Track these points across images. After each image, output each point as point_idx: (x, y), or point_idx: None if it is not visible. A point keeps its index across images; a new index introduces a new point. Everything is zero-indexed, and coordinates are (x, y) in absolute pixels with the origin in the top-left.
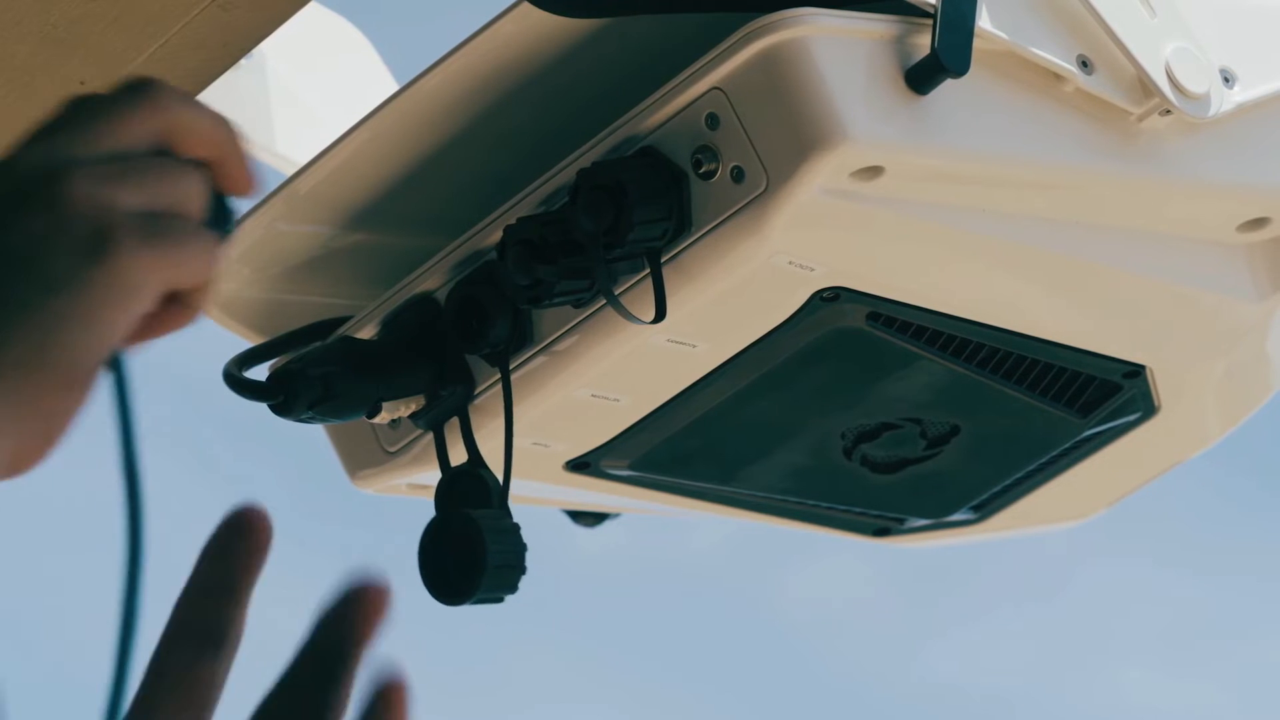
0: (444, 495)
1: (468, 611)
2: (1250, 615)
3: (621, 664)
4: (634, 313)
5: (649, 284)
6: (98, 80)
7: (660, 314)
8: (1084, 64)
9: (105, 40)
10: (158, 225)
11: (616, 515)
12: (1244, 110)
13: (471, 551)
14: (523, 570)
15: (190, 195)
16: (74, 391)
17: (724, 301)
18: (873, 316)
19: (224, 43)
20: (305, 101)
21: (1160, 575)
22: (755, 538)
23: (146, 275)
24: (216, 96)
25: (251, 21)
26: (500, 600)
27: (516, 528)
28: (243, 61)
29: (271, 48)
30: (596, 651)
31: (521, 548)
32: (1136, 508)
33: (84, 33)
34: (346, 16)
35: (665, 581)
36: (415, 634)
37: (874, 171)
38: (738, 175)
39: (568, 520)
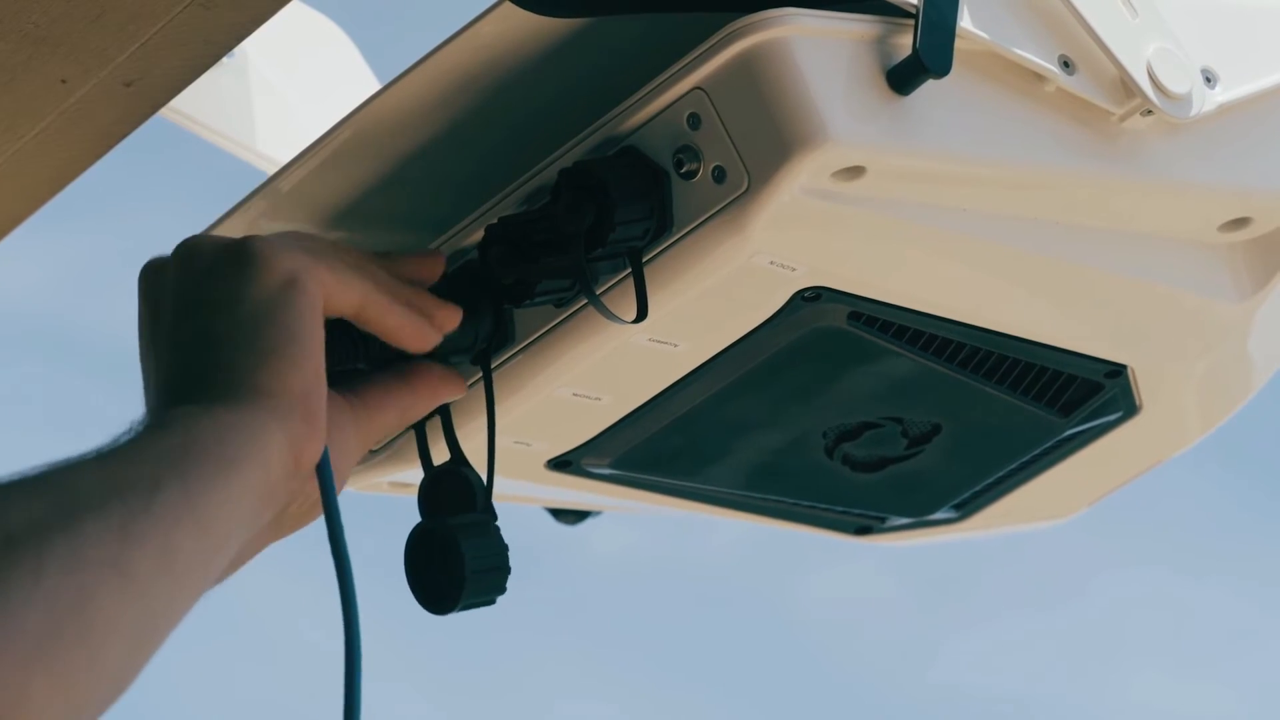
0: (426, 494)
1: (479, 612)
2: (1261, 619)
3: (637, 664)
4: (615, 312)
5: (630, 283)
6: (79, 79)
7: (642, 314)
8: (1065, 64)
9: (86, 39)
10: (287, 237)
11: (598, 513)
12: (1225, 110)
13: (450, 559)
14: (507, 570)
15: (359, 258)
16: (303, 368)
17: (705, 301)
18: (854, 316)
19: (206, 41)
20: (287, 100)
21: (1173, 580)
22: (771, 540)
23: (292, 262)
24: (198, 95)
25: (233, 20)
26: (492, 602)
27: (495, 529)
28: (225, 60)
29: (253, 46)
30: (612, 651)
31: (502, 548)
32: (1148, 514)
33: (65, 31)
34: (329, 15)
35: (682, 582)
36: (430, 634)
37: (855, 172)
38: (719, 175)
39: (585, 522)
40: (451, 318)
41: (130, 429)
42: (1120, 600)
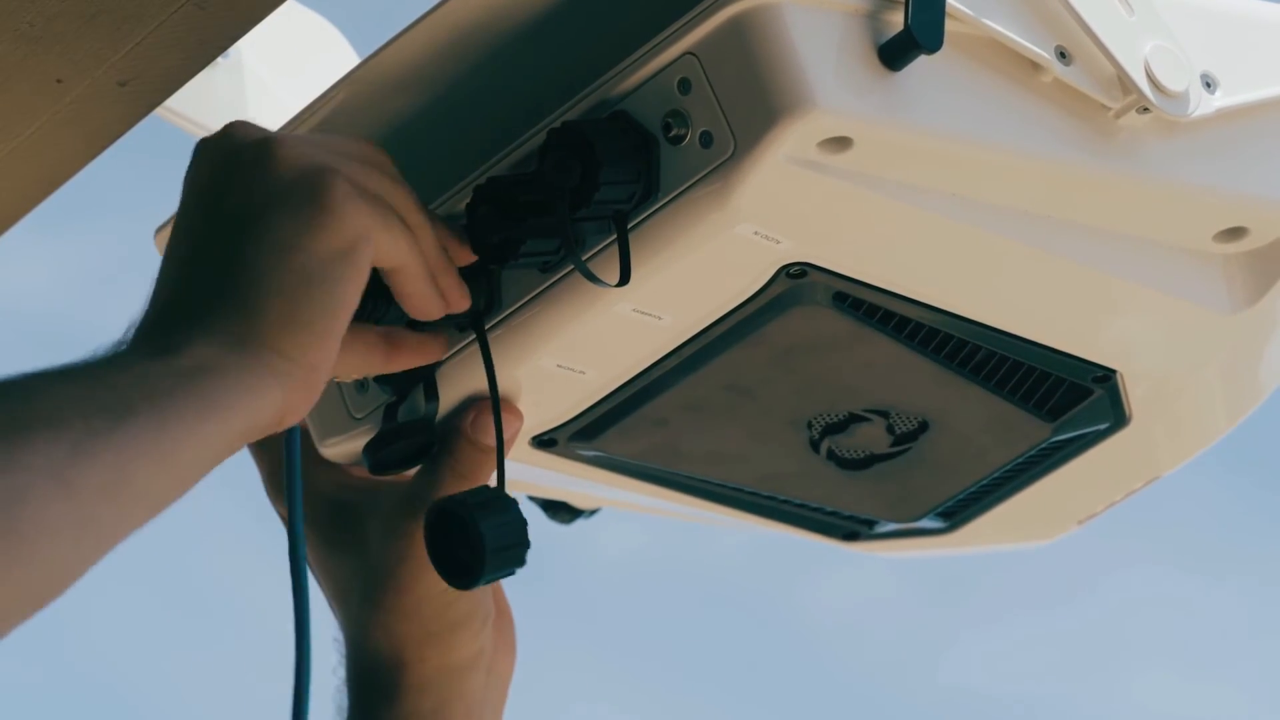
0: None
1: None
2: (1267, 620)
3: (646, 666)
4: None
5: (615, 251)
6: (74, 79)
7: (624, 277)
8: (1061, 55)
9: (81, 38)
10: (366, 178)
11: (590, 514)
12: (1225, 116)
13: (469, 539)
14: (527, 544)
15: (386, 162)
16: (328, 343)
17: (690, 272)
18: (839, 297)
19: (201, 41)
20: (282, 100)
21: (1179, 580)
22: (779, 542)
23: (364, 224)
24: (193, 96)
25: (229, 20)
26: (513, 573)
27: (512, 503)
28: (220, 60)
29: (249, 46)
30: (621, 654)
31: (522, 523)
32: (1155, 514)
33: (60, 31)
34: (324, 15)
35: (690, 584)
36: None
37: (842, 143)
38: (706, 140)
39: (592, 524)
40: (461, 302)
41: (127, 337)
42: (1127, 601)
